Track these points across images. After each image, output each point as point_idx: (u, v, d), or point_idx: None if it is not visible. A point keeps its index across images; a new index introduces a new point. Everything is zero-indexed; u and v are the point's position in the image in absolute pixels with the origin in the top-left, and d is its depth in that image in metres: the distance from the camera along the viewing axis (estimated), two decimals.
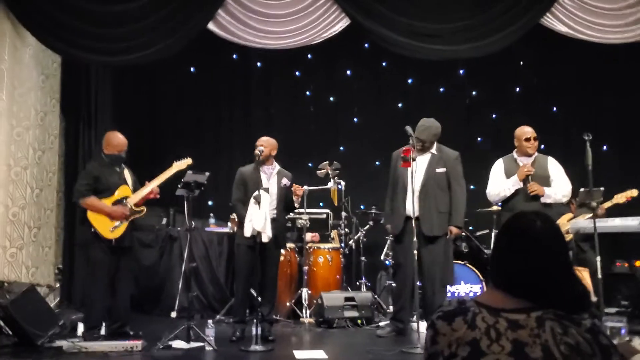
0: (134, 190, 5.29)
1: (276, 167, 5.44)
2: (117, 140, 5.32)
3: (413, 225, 4.86)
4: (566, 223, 5.81)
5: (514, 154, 5.42)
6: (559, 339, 1.40)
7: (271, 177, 5.36)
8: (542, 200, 5.18)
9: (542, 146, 7.13)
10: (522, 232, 1.57)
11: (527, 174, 5.18)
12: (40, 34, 5.96)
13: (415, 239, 4.81)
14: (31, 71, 6.13)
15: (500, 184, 5.33)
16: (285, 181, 5.37)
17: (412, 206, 4.98)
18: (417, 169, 5.15)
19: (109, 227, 5.04)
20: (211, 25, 6.01)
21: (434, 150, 5.28)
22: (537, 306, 1.47)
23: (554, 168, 5.32)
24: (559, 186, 5.24)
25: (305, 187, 6.31)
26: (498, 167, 5.45)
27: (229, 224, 6.82)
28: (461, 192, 5.23)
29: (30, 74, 6.11)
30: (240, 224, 5.29)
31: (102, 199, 5.09)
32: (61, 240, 6.66)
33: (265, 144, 5.34)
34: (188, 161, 5.52)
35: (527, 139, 5.31)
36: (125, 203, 5.15)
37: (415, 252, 4.81)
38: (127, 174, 5.37)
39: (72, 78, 6.73)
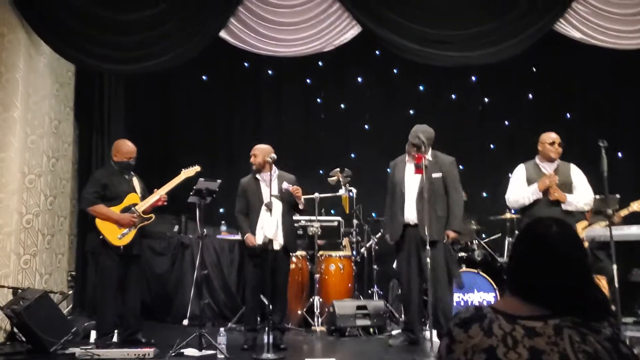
0: (143, 198, 5.31)
1: (275, 171, 5.41)
2: (126, 148, 5.36)
3: (426, 232, 4.82)
4: (581, 231, 5.75)
5: (537, 159, 5.35)
6: (577, 347, 1.37)
7: (271, 183, 5.33)
8: (564, 207, 5.11)
9: None
10: (539, 237, 1.56)
11: (549, 186, 5.11)
12: (54, 42, 6.02)
13: (428, 247, 4.78)
14: (45, 79, 6.19)
15: (520, 191, 5.26)
16: (285, 185, 5.32)
17: (413, 213, 5.09)
18: (413, 176, 5.17)
19: (117, 235, 5.06)
20: (223, 34, 6.04)
21: (429, 156, 5.21)
22: (555, 313, 1.44)
23: (577, 176, 5.24)
24: (581, 194, 5.16)
25: (316, 194, 6.31)
26: (520, 173, 5.37)
27: None
28: (457, 196, 5.22)
29: (45, 83, 6.17)
30: (242, 235, 5.37)
31: (111, 207, 5.12)
32: (74, 247, 6.71)
33: (259, 152, 5.35)
34: (196, 168, 5.56)
35: (552, 143, 5.25)
36: (133, 210, 5.17)
37: (428, 260, 4.77)
38: (136, 182, 5.40)
39: (85, 86, 6.81)
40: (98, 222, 5.07)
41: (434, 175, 5.16)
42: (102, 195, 5.15)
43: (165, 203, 5.41)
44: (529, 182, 5.24)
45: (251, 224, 5.29)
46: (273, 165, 5.35)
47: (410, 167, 5.24)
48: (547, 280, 1.49)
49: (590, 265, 1.59)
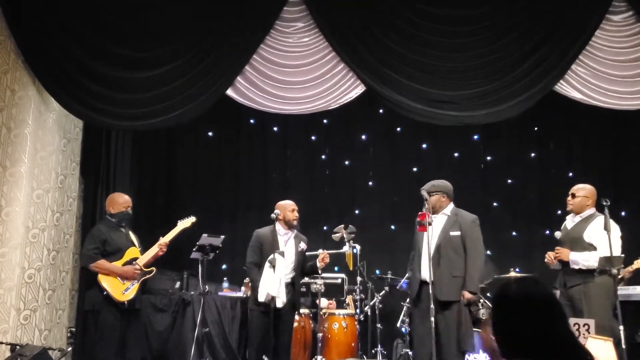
0: (141, 251, 5.31)
1: (294, 230, 5.43)
2: (122, 198, 5.42)
3: (430, 291, 4.73)
4: None
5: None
6: None
7: (288, 240, 5.33)
8: (571, 265, 5.03)
9: (559, 211, 7.08)
10: (496, 298, 1.76)
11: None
12: (64, 99, 6.14)
13: (432, 305, 4.70)
14: (54, 135, 6.27)
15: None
16: (303, 245, 5.35)
17: (427, 271, 4.84)
18: (432, 233, 5.04)
19: (122, 290, 5.04)
20: (230, 91, 6.15)
21: (448, 212, 5.14)
22: None
23: (592, 231, 5.06)
24: (593, 252, 4.99)
25: (320, 250, 6.27)
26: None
27: (243, 288, 6.76)
28: (476, 256, 5.00)
29: (53, 138, 6.26)
30: (254, 288, 5.25)
31: (113, 262, 5.11)
32: (75, 303, 6.64)
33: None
34: (192, 219, 5.59)
35: (568, 195, 5.28)
36: (135, 264, 5.15)
37: (432, 319, 4.69)
38: (132, 236, 5.40)
39: (92, 142, 6.91)
40: (101, 277, 5.04)
41: (452, 233, 5.04)
42: (103, 250, 5.14)
43: (165, 250, 5.36)
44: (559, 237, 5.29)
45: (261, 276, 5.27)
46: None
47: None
48: (518, 335, 1.61)
49: (559, 316, 1.68)
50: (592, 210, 5.20)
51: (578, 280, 5.00)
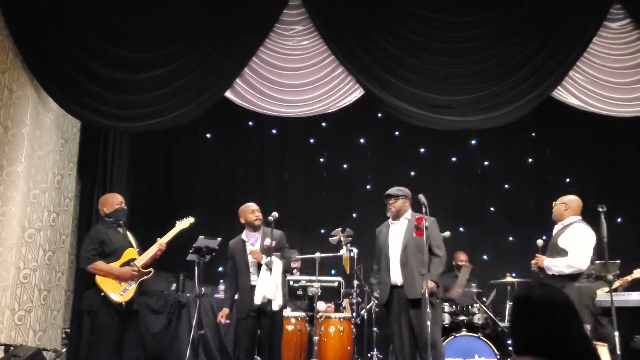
0: (139, 252, 5.30)
1: (261, 230, 5.38)
2: (113, 197, 5.41)
3: (427, 295, 4.82)
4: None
5: None
6: None
7: (256, 242, 5.30)
8: (546, 271, 5.15)
9: None
10: (520, 300, 1.82)
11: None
12: (63, 100, 6.13)
13: (429, 309, 4.75)
14: (51, 135, 6.27)
15: None
16: (267, 241, 5.25)
17: (400, 273, 5.11)
18: (395, 237, 5.25)
19: (119, 291, 5.01)
20: (228, 94, 6.15)
21: (408, 216, 5.31)
22: None
23: (567, 238, 5.16)
24: (564, 258, 5.08)
25: (317, 253, 6.27)
26: None
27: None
28: (439, 252, 5.20)
29: (50, 138, 6.25)
30: (225, 300, 5.40)
31: (110, 263, 5.08)
32: (70, 304, 6.62)
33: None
34: (190, 220, 5.56)
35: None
36: (132, 265, 5.13)
37: (428, 322, 4.73)
38: (130, 236, 5.38)
39: (90, 142, 6.90)
40: (99, 279, 5.01)
41: (415, 234, 5.18)
42: (101, 252, 5.12)
43: (164, 250, 5.34)
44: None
45: (239, 286, 5.26)
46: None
47: (393, 229, 5.33)
48: (535, 336, 1.69)
49: (576, 321, 1.78)
50: (574, 218, 5.29)
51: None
